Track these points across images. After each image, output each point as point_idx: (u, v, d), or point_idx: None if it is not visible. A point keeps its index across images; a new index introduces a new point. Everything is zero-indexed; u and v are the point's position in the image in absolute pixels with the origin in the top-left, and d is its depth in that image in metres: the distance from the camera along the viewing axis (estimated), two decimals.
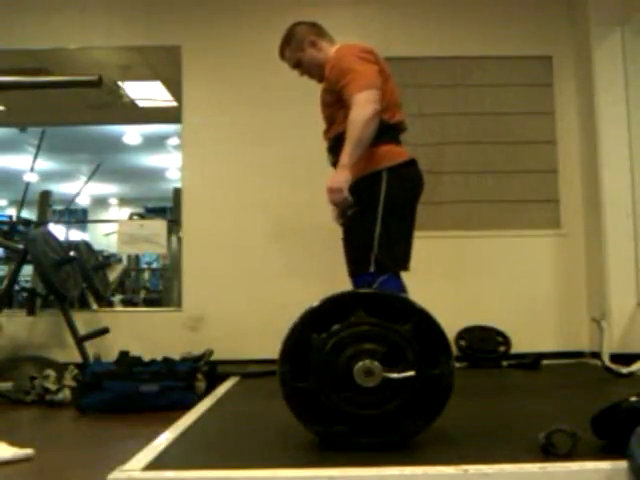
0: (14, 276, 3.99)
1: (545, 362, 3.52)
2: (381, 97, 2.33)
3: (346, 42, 2.55)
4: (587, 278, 3.78)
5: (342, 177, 2.25)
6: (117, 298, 5.83)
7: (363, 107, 2.26)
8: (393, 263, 2.35)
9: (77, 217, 12.04)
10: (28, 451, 2.03)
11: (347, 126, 2.27)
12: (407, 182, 2.42)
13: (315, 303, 1.77)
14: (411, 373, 1.68)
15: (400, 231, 2.39)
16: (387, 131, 2.41)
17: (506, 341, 3.67)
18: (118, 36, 3.89)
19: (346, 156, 2.26)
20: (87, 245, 4.87)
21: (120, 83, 4.95)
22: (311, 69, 2.59)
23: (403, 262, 2.39)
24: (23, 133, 7.48)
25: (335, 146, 2.42)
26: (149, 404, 2.84)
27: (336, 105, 2.41)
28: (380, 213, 2.33)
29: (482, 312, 3.69)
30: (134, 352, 3.11)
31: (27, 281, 5.85)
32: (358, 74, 2.31)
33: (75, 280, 3.85)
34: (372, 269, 2.32)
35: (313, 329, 1.74)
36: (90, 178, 9.39)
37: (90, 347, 3.47)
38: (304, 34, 2.57)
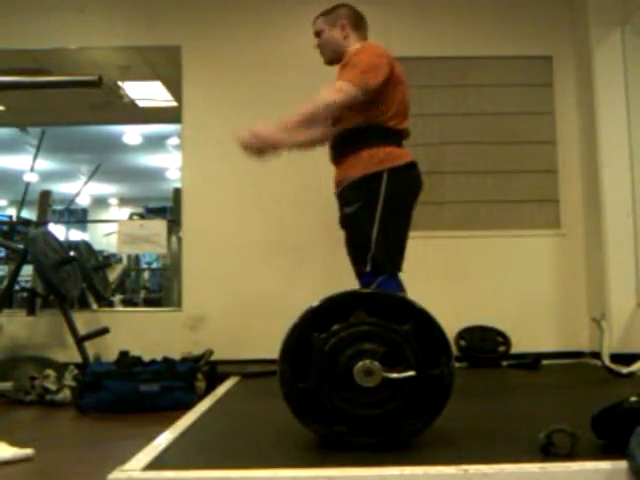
0: (14, 276, 3.99)
1: (545, 362, 3.52)
2: (365, 103, 2.35)
3: None
4: (587, 278, 3.78)
5: (276, 135, 2.28)
6: (117, 298, 5.83)
7: (335, 92, 2.30)
8: (389, 263, 2.35)
9: (77, 217, 12.03)
10: (28, 451, 2.02)
11: (309, 99, 2.31)
12: (407, 184, 2.43)
13: (315, 303, 1.77)
14: (411, 373, 1.68)
15: (397, 232, 2.40)
16: (391, 135, 2.43)
17: (506, 341, 3.67)
18: (118, 36, 3.89)
19: (290, 121, 2.29)
20: (87, 245, 4.88)
21: (120, 83, 4.94)
22: (326, 47, 2.59)
23: (398, 262, 2.40)
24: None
25: (338, 143, 2.44)
26: (149, 404, 2.84)
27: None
28: (379, 213, 2.34)
29: (482, 312, 3.69)
30: (134, 352, 3.11)
31: (27, 281, 5.85)
32: (363, 70, 2.33)
33: (75, 280, 3.85)
34: (368, 268, 2.33)
35: (313, 329, 1.74)
36: (90, 178, 9.39)
37: (90, 347, 3.47)
38: (342, 15, 2.57)
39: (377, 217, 2.33)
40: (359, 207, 2.37)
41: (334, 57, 2.55)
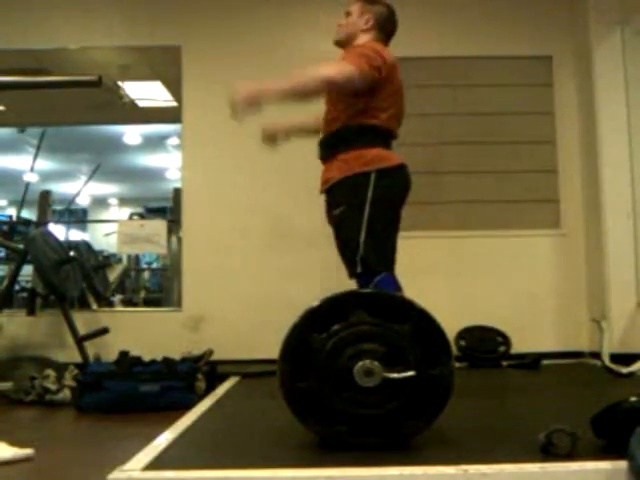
0: (14, 276, 3.99)
1: (545, 362, 3.52)
2: (355, 94, 2.35)
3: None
4: (587, 278, 3.78)
5: (266, 87, 2.21)
6: (117, 298, 5.82)
7: (334, 69, 2.29)
8: (378, 263, 2.35)
9: (77, 217, 12.02)
10: (28, 451, 2.02)
11: (311, 68, 2.28)
12: (394, 185, 2.43)
13: (315, 303, 1.77)
14: (411, 373, 1.68)
15: (385, 232, 2.40)
16: (381, 136, 2.43)
17: (506, 341, 3.67)
18: (118, 36, 3.89)
19: (281, 83, 2.24)
20: (87, 245, 4.88)
21: (120, 83, 4.94)
22: (344, 29, 2.58)
23: (388, 262, 2.40)
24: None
25: (327, 141, 2.45)
26: (149, 404, 2.84)
27: (338, 96, 2.43)
28: (366, 214, 2.33)
29: (482, 312, 3.69)
30: (134, 352, 3.11)
31: (28, 281, 5.85)
32: (362, 57, 2.33)
33: (75, 280, 3.85)
34: (359, 270, 2.33)
35: (313, 329, 1.74)
36: (90, 178, 9.38)
37: (90, 347, 3.47)
38: (374, 11, 2.55)
39: (365, 218, 2.33)
40: (346, 208, 2.37)
41: (344, 40, 2.55)
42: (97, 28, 3.88)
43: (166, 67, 4.41)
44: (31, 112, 5.42)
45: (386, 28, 2.59)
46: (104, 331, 3.46)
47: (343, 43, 2.56)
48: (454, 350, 3.36)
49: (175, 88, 4.21)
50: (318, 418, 1.73)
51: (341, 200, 2.36)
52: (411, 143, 3.56)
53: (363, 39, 2.53)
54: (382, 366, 1.68)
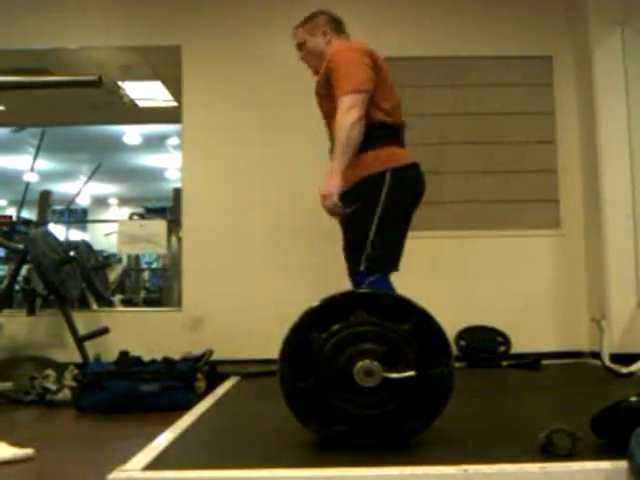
0: (14, 276, 3.99)
1: (545, 362, 3.52)
2: (369, 100, 2.35)
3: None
4: (587, 278, 3.77)
5: (332, 183, 2.28)
6: (117, 298, 5.82)
7: (347, 112, 2.29)
8: (383, 264, 2.35)
9: (77, 217, 12.02)
10: (28, 451, 2.03)
11: (335, 132, 2.31)
12: (409, 185, 2.43)
13: (315, 303, 1.77)
14: (411, 373, 1.68)
15: (395, 233, 2.39)
16: (391, 133, 2.43)
17: (506, 341, 3.67)
18: (118, 36, 3.89)
19: (336, 162, 2.29)
20: (87, 245, 4.87)
21: (120, 83, 4.94)
22: (310, 57, 2.60)
23: (393, 263, 2.40)
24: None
25: None
26: (149, 404, 2.84)
27: (330, 97, 2.43)
28: (378, 214, 2.33)
29: (482, 312, 3.69)
30: (134, 352, 3.11)
31: (27, 282, 5.83)
32: (349, 74, 2.33)
33: (75, 280, 3.85)
34: (362, 268, 2.33)
35: (313, 329, 1.74)
36: (90, 178, 9.39)
37: (90, 347, 3.47)
38: (322, 22, 2.58)
39: (376, 217, 2.33)
40: (359, 207, 2.36)
41: (319, 65, 2.53)
42: (97, 28, 3.87)
43: (166, 67, 4.41)
44: (31, 112, 5.42)
45: (340, 28, 2.61)
46: (104, 331, 3.46)
47: (319, 67, 2.55)
48: (454, 350, 3.36)
49: (175, 88, 4.21)
50: (318, 418, 1.73)
51: (354, 199, 2.36)
52: (411, 143, 3.55)
53: (330, 48, 2.52)
54: (382, 366, 1.68)
